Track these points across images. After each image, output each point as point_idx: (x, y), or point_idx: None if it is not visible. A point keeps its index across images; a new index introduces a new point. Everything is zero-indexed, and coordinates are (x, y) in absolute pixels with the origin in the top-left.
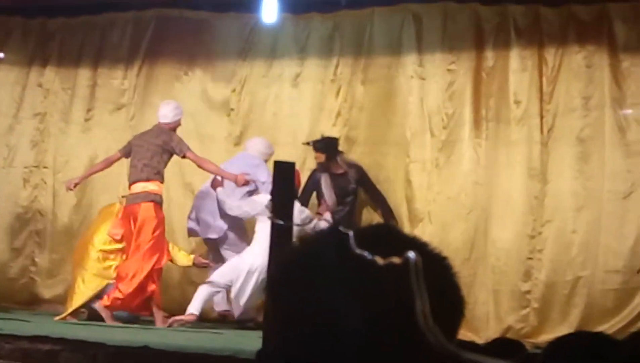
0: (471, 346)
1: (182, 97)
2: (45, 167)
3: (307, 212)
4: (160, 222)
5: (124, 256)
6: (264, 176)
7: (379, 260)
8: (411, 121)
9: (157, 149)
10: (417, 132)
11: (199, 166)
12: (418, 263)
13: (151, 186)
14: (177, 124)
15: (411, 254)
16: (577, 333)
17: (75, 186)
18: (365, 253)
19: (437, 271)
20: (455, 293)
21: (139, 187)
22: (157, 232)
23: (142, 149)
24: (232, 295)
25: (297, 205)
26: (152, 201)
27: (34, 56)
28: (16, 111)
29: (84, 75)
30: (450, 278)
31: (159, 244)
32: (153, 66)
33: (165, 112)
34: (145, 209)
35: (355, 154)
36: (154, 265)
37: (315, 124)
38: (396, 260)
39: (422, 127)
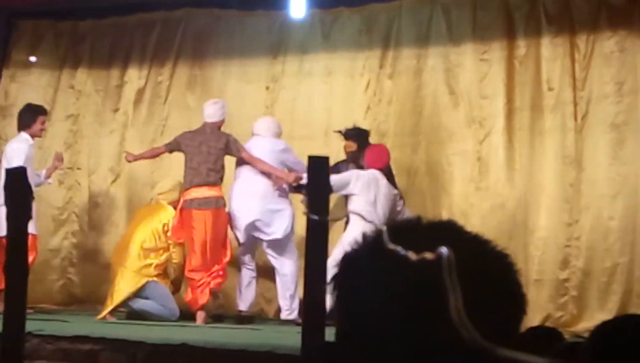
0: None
1: (215, 97)
2: (79, 168)
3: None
4: (227, 224)
5: (178, 259)
6: (295, 158)
7: (412, 256)
8: (444, 112)
9: (220, 152)
10: (451, 123)
11: (253, 166)
12: (451, 258)
13: (218, 191)
14: (223, 122)
15: (443, 249)
16: (623, 317)
17: (133, 160)
18: (399, 249)
19: (498, 268)
20: (516, 290)
21: (207, 192)
22: (226, 234)
23: (202, 151)
24: None
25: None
26: (223, 206)
27: (66, 58)
28: (49, 114)
29: (115, 76)
30: (511, 276)
31: (227, 243)
32: (185, 65)
33: (212, 112)
34: (220, 215)
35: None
36: (224, 263)
37: (346, 118)
38: (429, 255)
39: (457, 119)
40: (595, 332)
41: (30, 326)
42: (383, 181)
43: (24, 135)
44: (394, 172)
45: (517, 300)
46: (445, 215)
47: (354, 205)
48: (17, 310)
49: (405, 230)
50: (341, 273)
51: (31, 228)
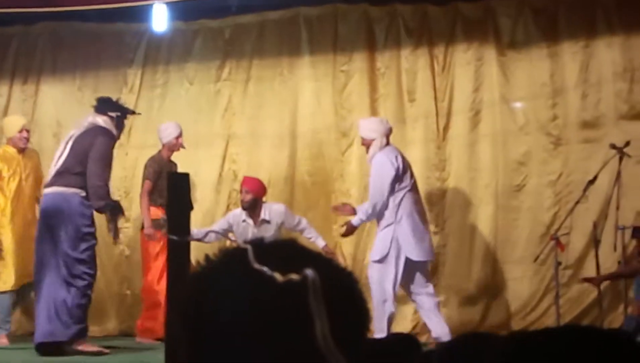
0: (368, 341)
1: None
2: None
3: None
4: None
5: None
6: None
7: (278, 277)
8: (306, 122)
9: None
10: (317, 132)
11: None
12: (316, 282)
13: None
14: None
15: (309, 272)
16: (465, 336)
17: None
18: (265, 269)
19: (342, 285)
20: (361, 307)
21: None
22: None
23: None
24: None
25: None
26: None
27: None
28: None
29: None
30: (356, 293)
31: None
32: (47, 81)
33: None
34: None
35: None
36: None
37: (209, 127)
38: (294, 276)
39: (322, 128)
40: (440, 349)
41: None
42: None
43: None
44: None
45: (364, 316)
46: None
47: None
48: None
49: (267, 249)
50: (193, 294)
51: None
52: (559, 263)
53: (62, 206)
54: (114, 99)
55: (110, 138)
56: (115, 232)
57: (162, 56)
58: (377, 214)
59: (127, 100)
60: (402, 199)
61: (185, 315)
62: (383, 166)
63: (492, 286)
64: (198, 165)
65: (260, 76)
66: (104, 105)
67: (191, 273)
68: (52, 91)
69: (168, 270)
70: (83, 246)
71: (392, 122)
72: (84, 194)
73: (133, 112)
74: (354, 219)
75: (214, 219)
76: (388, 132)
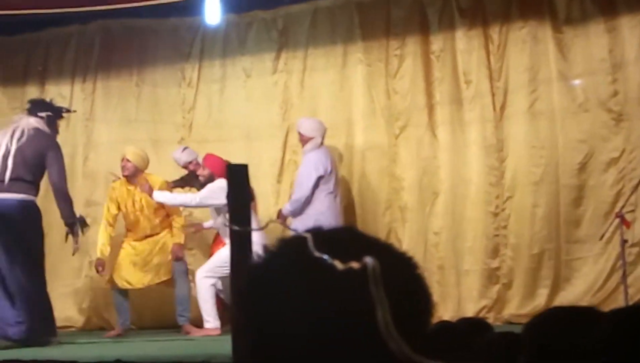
0: (442, 325)
1: (132, 108)
2: None
3: None
4: None
5: None
6: None
7: (339, 265)
8: (362, 108)
9: None
10: (369, 118)
11: None
12: (376, 269)
13: None
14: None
15: (369, 259)
16: (555, 310)
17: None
18: (325, 257)
19: (403, 272)
20: (423, 292)
21: None
22: None
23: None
24: None
25: None
26: None
27: None
28: None
29: (31, 93)
30: (417, 278)
31: None
32: (104, 79)
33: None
34: None
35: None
36: None
37: (265, 120)
38: (355, 264)
39: (374, 113)
40: (530, 326)
41: None
42: None
43: None
44: None
45: (426, 302)
46: (361, 213)
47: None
48: None
49: (327, 237)
50: (254, 283)
51: None
52: (625, 241)
53: (17, 213)
54: (48, 99)
55: (57, 147)
56: (77, 246)
57: (218, 49)
58: (301, 208)
59: (186, 94)
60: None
61: (247, 304)
62: (314, 164)
63: (557, 267)
64: (259, 157)
65: (314, 65)
66: (35, 107)
67: (251, 263)
68: (110, 88)
69: (231, 260)
70: (33, 251)
71: (448, 104)
72: (35, 200)
73: (67, 111)
74: (284, 209)
75: (276, 211)
76: (324, 134)
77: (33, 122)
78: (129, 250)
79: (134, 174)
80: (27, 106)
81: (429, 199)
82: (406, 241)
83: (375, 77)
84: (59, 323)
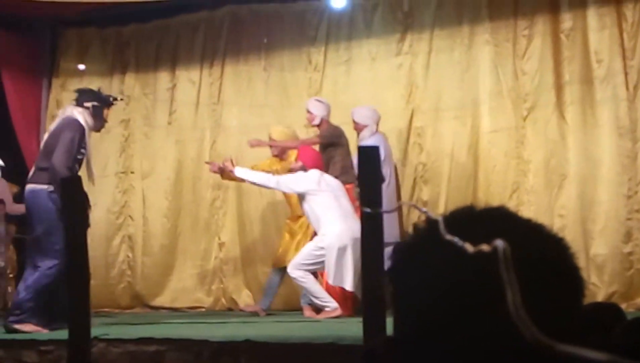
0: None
1: (260, 91)
2: (132, 172)
3: None
4: None
5: None
6: None
7: (469, 247)
8: (487, 89)
9: None
10: (495, 99)
11: None
12: (507, 250)
13: None
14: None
15: (499, 241)
16: None
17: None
18: (456, 239)
19: (555, 255)
20: (574, 275)
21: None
22: None
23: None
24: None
25: None
26: None
27: (114, 64)
28: None
29: (163, 78)
30: (569, 261)
31: None
32: (231, 63)
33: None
34: None
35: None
36: None
37: (390, 103)
38: (485, 247)
39: (501, 94)
40: None
41: (96, 330)
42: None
43: None
44: None
45: (576, 286)
46: (498, 196)
47: None
48: (81, 315)
49: (459, 219)
50: (394, 266)
51: None
52: None
53: (32, 203)
54: (96, 89)
55: (75, 131)
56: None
57: (344, 32)
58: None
59: (313, 78)
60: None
61: (392, 287)
62: None
63: None
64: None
65: (440, 46)
66: (81, 96)
67: (396, 246)
68: (237, 73)
69: (362, 242)
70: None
71: (578, 84)
72: (51, 189)
73: (115, 99)
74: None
75: (402, 193)
76: (378, 121)
77: (70, 112)
78: (287, 229)
79: (282, 152)
80: (75, 95)
81: (556, 181)
82: None
83: (503, 57)
84: (188, 303)
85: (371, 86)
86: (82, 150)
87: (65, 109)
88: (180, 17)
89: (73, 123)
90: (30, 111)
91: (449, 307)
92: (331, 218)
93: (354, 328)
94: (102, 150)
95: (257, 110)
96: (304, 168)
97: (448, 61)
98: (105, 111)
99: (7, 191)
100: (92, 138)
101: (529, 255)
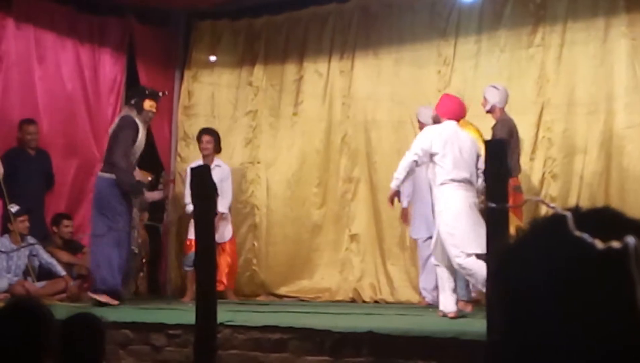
0: None
1: (387, 83)
2: (258, 162)
3: None
4: None
5: None
6: None
7: (599, 244)
8: (622, 83)
9: None
10: (631, 94)
11: None
12: (638, 249)
13: None
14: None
15: (630, 239)
16: None
17: None
18: (585, 236)
19: None
20: None
21: None
22: None
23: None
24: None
25: None
26: None
27: (244, 56)
28: (232, 111)
29: (290, 70)
30: None
31: None
32: (362, 56)
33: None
34: None
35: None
36: None
37: (520, 96)
38: (616, 244)
39: (637, 89)
40: None
41: (222, 317)
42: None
43: None
44: None
45: None
46: (620, 193)
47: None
48: (208, 302)
49: (587, 216)
50: (506, 263)
51: (229, 232)
52: None
53: (102, 188)
54: (142, 86)
55: (130, 129)
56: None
57: (473, 25)
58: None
59: (443, 72)
60: None
61: (502, 285)
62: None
63: None
64: None
65: (574, 38)
66: (129, 96)
67: (508, 242)
68: (367, 65)
69: (487, 237)
70: (119, 219)
71: None
72: (113, 178)
73: (156, 94)
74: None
75: (528, 188)
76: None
77: (124, 110)
78: None
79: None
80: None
81: None
82: None
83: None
84: (312, 293)
85: (499, 78)
86: (136, 143)
87: (123, 107)
88: (310, 10)
89: (125, 119)
90: (162, 101)
91: (573, 305)
92: None
93: (476, 324)
94: (230, 141)
95: (387, 104)
96: (437, 119)
97: (582, 55)
98: (146, 103)
99: (142, 179)
100: (220, 129)
101: None
